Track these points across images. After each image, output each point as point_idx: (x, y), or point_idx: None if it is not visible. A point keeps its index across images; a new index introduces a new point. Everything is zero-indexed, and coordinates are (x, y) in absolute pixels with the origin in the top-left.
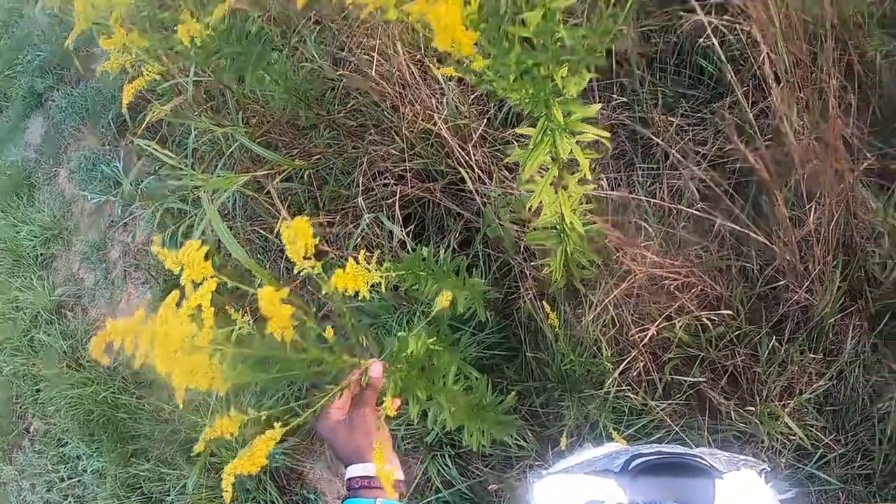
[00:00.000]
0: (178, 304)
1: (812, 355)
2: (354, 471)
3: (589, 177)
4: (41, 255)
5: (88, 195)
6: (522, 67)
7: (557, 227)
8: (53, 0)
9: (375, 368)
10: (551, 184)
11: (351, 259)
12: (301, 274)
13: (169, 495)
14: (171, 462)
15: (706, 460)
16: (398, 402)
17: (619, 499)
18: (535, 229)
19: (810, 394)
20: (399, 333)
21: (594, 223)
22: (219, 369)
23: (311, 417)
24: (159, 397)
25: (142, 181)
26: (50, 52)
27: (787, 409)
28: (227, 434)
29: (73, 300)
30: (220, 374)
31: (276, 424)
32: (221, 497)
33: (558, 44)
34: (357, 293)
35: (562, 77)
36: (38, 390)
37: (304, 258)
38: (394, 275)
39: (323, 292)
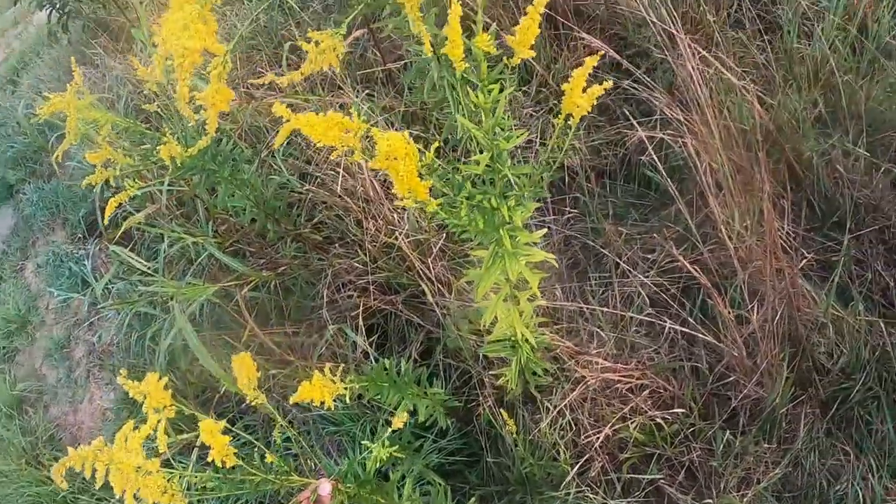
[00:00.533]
0: (136, 428)
1: (767, 445)
2: None
3: (538, 294)
4: (3, 348)
5: (55, 291)
6: (473, 203)
7: (511, 339)
8: (44, 111)
9: (324, 488)
10: (504, 300)
11: (316, 371)
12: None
13: None
14: None
15: None
16: None
17: None
18: (491, 342)
19: (767, 482)
20: (364, 442)
21: (545, 335)
22: (176, 488)
23: None
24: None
25: (112, 283)
26: (24, 145)
27: (745, 500)
28: None
29: (35, 396)
30: (177, 493)
31: None
32: None
33: (504, 180)
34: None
35: (508, 208)
36: None
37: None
38: (357, 386)
39: (291, 401)
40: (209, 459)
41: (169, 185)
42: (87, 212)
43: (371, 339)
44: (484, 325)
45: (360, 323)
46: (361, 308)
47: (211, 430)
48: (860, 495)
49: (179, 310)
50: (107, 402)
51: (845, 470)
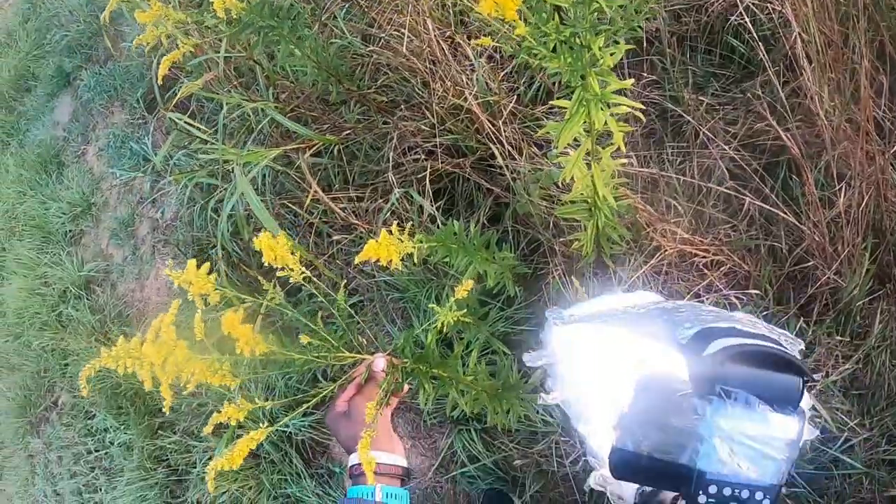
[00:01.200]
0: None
1: (839, 338)
2: (353, 459)
3: (623, 149)
4: (70, 231)
5: (117, 172)
6: (561, 36)
7: (589, 200)
8: None
9: (378, 363)
10: (584, 157)
11: (384, 230)
12: (333, 244)
13: (195, 467)
14: (198, 434)
15: (796, 355)
16: (404, 392)
17: (682, 376)
18: (566, 203)
19: (836, 376)
20: (430, 305)
21: (626, 198)
22: (227, 368)
23: (310, 409)
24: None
25: (172, 156)
26: (78, 32)
27: (812, 392)
28: (233, 421)
29: (102, 276)
30: (228, 373)
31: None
32: (246, 470)
33: (595, 14)
34: (388, 265)
35: (599, 47)
36: (66, 364)
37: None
38: (425, 247)
39: (356, 261)
40: (238, 351)
41: (226, 53)
42: (144, 91)
43: (438, 204)
44: (558, 188)
45: (427, 186)
46: (428, 171)
47: (232, 323)
48: None
49: (240, 172)
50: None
51: None
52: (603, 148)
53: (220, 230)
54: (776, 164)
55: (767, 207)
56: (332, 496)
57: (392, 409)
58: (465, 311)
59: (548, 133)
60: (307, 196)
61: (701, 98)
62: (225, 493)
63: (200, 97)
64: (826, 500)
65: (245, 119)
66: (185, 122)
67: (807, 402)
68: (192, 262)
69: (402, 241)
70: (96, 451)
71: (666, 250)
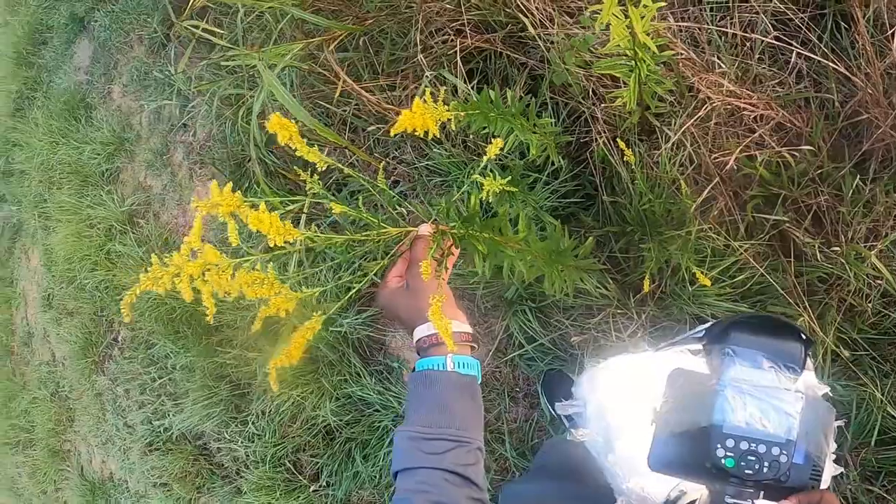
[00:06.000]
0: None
1: None
2: (421, 332)
3: None
4: (107, 170)
5: (145, 104)
6: None
7: (629, 53)
8: None
9: (423, 228)
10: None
11: (417, 98)
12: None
13: (256, 378)
14: (256, 346)
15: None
16: (455, 255)
17: (702, 367)
18: (604, 57)
19: None
20: (474, 176)
21: (668, 47)
22: (272, 275)
23: (365, 286)
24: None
25: (195, 74)
26: None
27: (873, 252)
28: (282, 312)
29: (144, 208)
30: (273, 279)
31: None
32: (307, 375)
33: None
34: (426, 134)
35: None
36: (120, 300)
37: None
38: (462, 114)
39: (391, 133)
40: (270, 244)
41: None
42: (160, 18)
43: (472, 84)
44: (593, 55)
45: (459, 65)
46: (458, 50)
47: (257, 217)
48: None
49: (265, 69)
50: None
51: None
52: None
53: (252, 137)
54: (823, 16)
55: (817, 58)
56: (392, 391)
57: (448, 275)
58: (510, 179)
59: None
60: (336, 90)
61: None
62: (287, 400)
63: (215, 8)
64: (890, 364)
65: (264, 26)
66: (203, 28)
67: (812, 378)
68: (215, 184)
69: (437, 108)
70: (160, 378)
71: (713, 102)
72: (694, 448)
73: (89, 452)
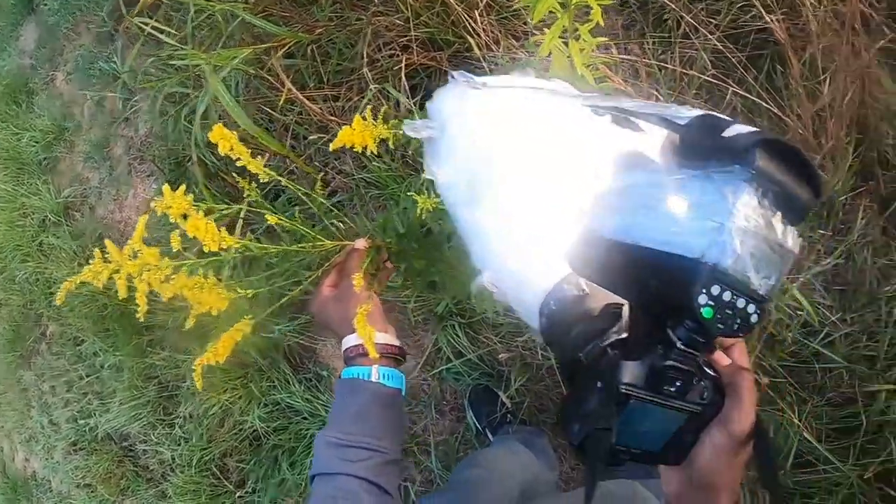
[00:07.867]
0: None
1: (822, 231)
2: (349, 341)
3: (601, 23)
4: (44, 159)
5: (88, 94)
6: None
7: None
8: None
9: (359, 242)
10: (562, 34)
11: (357, 116)
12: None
13: (185, 381)
14: (186, 349)
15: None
16: (390, 270)
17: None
18: None
19: (819, 269)
20: (409, 194)
21: (605, 77)
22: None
23: (298, 295)
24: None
25: (141, 69)
26: None
27: (795, 284)
28: (214, 310)
29: (80, 200)
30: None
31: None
32: (235, 380)
33: None
34: (364, 150)
35: None
36: (50, 294)
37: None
38: (401, 133)
39: (331, 148)
40: (205, 250)
41: None
42: (110, 8)
43: (415, 99)
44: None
45: (404, 81)
46: (403, 66)
47: (194, 223)
48: None
49: (211, 72)
50: (150, 194)
51: None
52: (581, 24)
53: (194, 138)
54: (759, 57)
55: (751, 98)
56: (321, 399)
57: (381, 289)
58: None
59: (524, 6)
60: (281, 97)
61: None
62: (215, 404)
63: (166, 5)
64: (807, 392)
65: (214, 26)
66: (153, 28)
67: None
68: (167, 187)
69: (377, 126)
70: (87, 376)
71: None
72: (662, 271)
73: (12, 449)
